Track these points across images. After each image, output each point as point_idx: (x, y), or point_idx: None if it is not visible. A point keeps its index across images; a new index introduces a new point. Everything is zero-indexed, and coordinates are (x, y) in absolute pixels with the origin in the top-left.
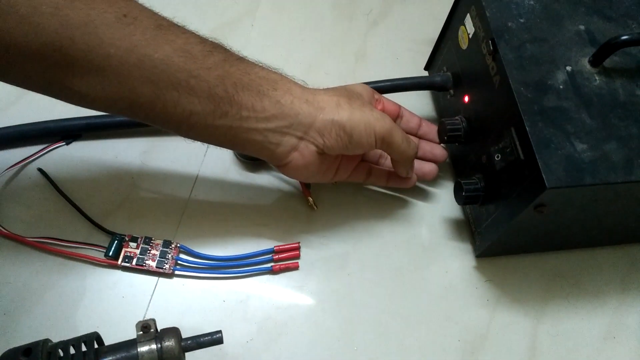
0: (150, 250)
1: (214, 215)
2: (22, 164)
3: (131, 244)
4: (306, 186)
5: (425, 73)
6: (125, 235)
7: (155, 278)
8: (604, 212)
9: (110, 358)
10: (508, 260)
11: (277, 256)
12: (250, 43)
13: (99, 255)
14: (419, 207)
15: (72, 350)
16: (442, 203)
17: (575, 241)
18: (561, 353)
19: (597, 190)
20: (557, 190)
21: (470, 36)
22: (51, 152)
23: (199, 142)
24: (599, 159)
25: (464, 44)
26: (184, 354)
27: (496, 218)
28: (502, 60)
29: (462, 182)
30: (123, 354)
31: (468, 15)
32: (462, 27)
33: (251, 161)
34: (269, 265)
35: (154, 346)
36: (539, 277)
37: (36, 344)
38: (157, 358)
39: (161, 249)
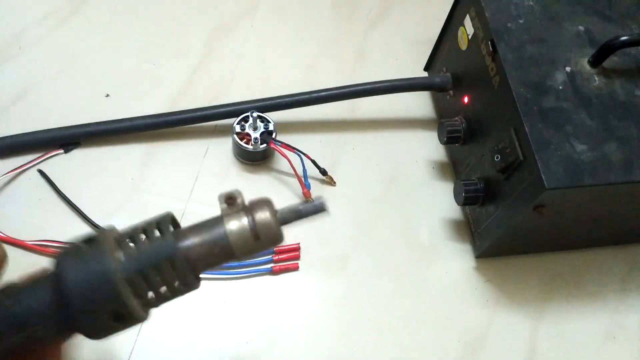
0: None
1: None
2: (20, 169)
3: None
4: (307, 187)
5: (425, 74)
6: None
7: None
8: (603, 213)
9: (193, 240)
10: (508, 261)
11: (276, 257)
12: (249, 43)
13: None
14: (419, 208)
15: (143, 237)
16: (442, 204)
17: (575, 242)
18: (561, 354)
19: (597, 190)
20: (556, 190)
21: (470, 37)
22: (50, 159)
23: (198, 144)
24: (599, 160)
25: (463, 45)
26: (281, 229)
27: (496, 219)
28: (501, 60)
29: (461, 182)
30: (207, 235)
31: (467, 15)
32: (461, 28)
33: (251, 162)
34: (268, 266)
35: (244, 220)
36: (539, 277)
37: (100, 232)
38: (250, 234)
39: None
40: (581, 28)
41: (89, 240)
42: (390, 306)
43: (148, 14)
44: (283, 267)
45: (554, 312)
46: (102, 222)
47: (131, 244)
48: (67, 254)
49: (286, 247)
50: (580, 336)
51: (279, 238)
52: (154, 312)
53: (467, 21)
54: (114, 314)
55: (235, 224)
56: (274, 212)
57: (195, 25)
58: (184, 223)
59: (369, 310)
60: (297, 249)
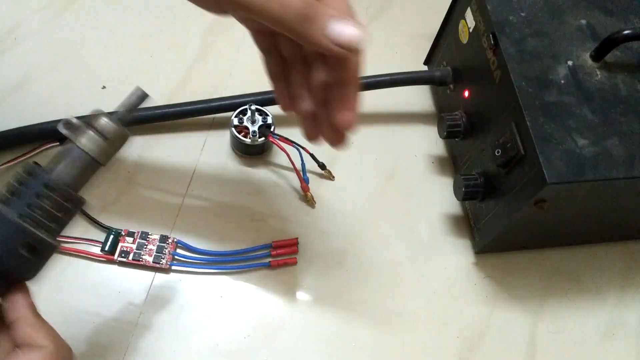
0: (147, 245)
1: (211, 210)
2: (15, 162)
3: (128, 238)
4: (305, 181)
5: (425, 68)
6: (121, 230)
7: (152, 273)
8: (604, 208)
9: (59, 166)
10: (507, 257)
11: (275, 251)
12: (248, 36)
13: (95, 250)
14: (418, 203)
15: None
16: (442, 199)
17: (576, 237)
18: (560, 350)
19: (598, 185)
20: (557, 185)
21: (471, 30)
22: (45, 151)
23: (196, 137)
24: (600, 155)
25: (464, 38)
26: (125, 127)
27: (496, 214)
28: (503, 54)
29: (461, 177)
30: (68, 157)
31: (468, 8)
32: (462, 21)
33: (249, 156)
34: (266, 260)
35: (90, 132)
36: (539, 273)
37: None
38: (102, 140)
39: (158, 243)
40: (583, 22)
41: None
42: (389, 301)
43: (145, 5)
44: (281, 261)
45: (554, 308)
46: (99, 216)
47: (14, 194)
48: None
49: (284, 242)
50: (579, 332)
51: (124, 133)
52: (154, 314)
53: (468, 14)
54: (28, 247)
55: (84, 138)
56: (108, 116)
57: (194, 18)
58: (181, 217)
59: (367, 305)
60: (295, 243)
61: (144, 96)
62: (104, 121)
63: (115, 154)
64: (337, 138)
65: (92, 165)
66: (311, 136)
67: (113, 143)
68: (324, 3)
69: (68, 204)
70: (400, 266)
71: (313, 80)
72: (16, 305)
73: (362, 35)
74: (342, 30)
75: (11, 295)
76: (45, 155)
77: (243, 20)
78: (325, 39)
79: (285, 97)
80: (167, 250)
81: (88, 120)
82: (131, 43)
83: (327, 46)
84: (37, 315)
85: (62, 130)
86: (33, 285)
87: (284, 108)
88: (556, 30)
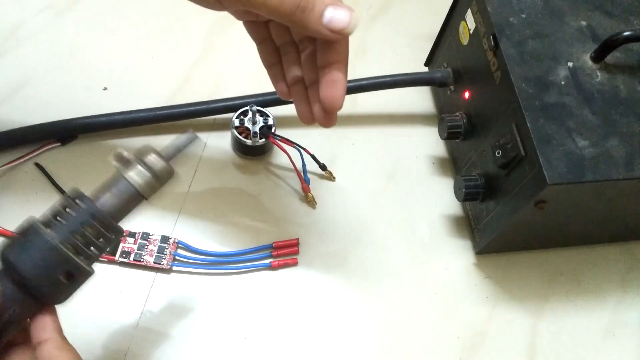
0: (147, 245)
1: (212, 210)
2: (16, 162)
3: (129, 239)
4: (306, 182)
5: (426, 69)
6: (122, 231)
7: (153, 274)
8: (605, 209)
9: (105, 198)
10: (508, 257)
11: (275, 252)
12: (249, 38)
13: None
14: (419, 204)
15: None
16: (442, 200)
17: (576, 238)
18: (561, 350)
19: (598, 186)
20: (558, 186)
21: (471, 31)
22: (46, 152)
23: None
24: (601, 156)
25: (464, 40)
26: (169, 163)
27: (496, 214)
28: (503, 55)
29: (462, 178)
30: (116, 190)
31: (469, 10)
32: (462, 23)
33: (250, 157)
34: (267, 261)
35: (139, 167)
36: (539, 274)
37: (26, 220)
38: (150, 176)
39: (159, 244)
40: (583, 23)
41: (21, 232)
42: (389, 302)
43: (147, 6)
44: (282, 262)
45: (554, 309)
46: None
47: (58, 218)
48: (10, 246)
49: (285, 243)
50: (580, 333)
51: (171, 171)
52: (155, 314)
53: (469, 16)
54: (66, 274)
55: (133, 172)
56: (158, 152)
57: (195, 19)
58: (181, 218)
59: (368, 306)
60: (296, 244)
61: (193, 138)
62: (153, 157)
63: (159, 189)
64: (326, 118)
65: (137, 199)
66: (305, 118)
67: (159, 179)
68: None
69: (109, 234)
70: (400, 267)
71: (304, 63)
72: (45, 327)
73: (353, 19)
74: (336, 16)
75: (40, 316)
76: (47, 155)
77: (239, 13)
78: (321, 26)
79: (280, 82)
80: (168, 251)
81: (137, 155)
82: (132, 44)
83: (323, 33)
84: (63, 338)
85: (113, 162)
86: None
87: (280, 94)
88: (556, 32)
